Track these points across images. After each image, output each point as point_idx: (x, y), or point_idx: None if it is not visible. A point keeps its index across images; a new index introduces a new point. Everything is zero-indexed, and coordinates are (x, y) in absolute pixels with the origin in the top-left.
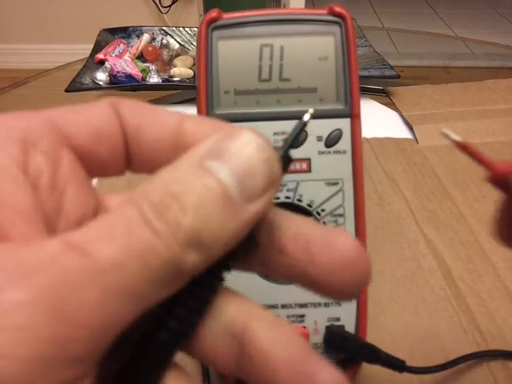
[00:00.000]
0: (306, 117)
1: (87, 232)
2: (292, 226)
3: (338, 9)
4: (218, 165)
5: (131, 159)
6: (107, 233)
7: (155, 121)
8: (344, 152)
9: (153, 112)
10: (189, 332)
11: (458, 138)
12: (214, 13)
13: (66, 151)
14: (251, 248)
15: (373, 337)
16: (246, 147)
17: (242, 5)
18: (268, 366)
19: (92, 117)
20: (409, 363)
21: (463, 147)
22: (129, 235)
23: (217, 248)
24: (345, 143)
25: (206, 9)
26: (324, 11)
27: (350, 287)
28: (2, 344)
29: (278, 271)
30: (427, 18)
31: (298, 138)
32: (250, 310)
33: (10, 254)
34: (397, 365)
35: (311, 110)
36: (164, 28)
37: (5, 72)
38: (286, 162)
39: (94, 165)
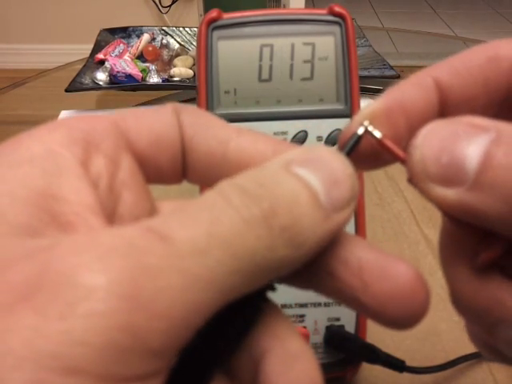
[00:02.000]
0: (360, 130)
1: (168, 218)
2: (344, 247)
3: (337, 9)
4: (306, 171)
5: (187, 168)
6: (189, 219)
7: (209, 133)
8: None
9: (209, 123)
10: (232, 350)
11: (378, 135)
12: (213, 13)
13: (127, 155)
14: (296, 270)
15: (373, 337)
16: (334, 160)
17: (242, 5)
18: None
19: (155, 123)
20: (409, 363)
21: (381, 145)
22: (214, 221)
23: (304, 249)
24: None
25: (206, 9)
26: (324, 11)
27: (406, 319)
28: (77, 330)
29: (327, 293)
30: (427, 18)
31: (351, 152)
32: (277, 335)
33: (86, 236)
34: (397, 365)
35: (366, 123)
36: (164, 28)
37: (5, 72)
38: None
39: (152, 171)
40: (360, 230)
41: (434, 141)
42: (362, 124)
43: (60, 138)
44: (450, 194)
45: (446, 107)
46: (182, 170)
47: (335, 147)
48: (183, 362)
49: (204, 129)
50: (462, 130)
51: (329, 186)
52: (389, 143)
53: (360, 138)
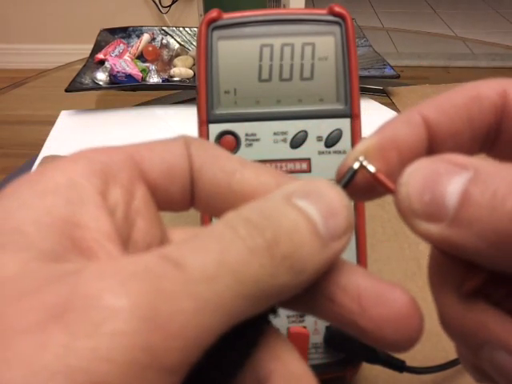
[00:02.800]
0: (356, 165)
1: (181, 246)
2: (342, 274)
3: (337, 9)
4: (306, 203)
5: (194, 196)
6: (200, 247)
7: (216, 164)
8: (344, 152)
9: (216, 154)
10: (236, 372)
11: (372, 169)
12: (213, 13)
13: (141, 185)
14: (297, 295)
15: None
16: (331, 193)
17: (242, 5)
18: None
19: (166, 154)
20: (409, 363)
21: (377, 180)
22: (222, 250)
23: (304, 276)
24: (345, 143)
25: (206, 9)
26: (324, 11)
27: (402, 342)
28: (103, 348)
29: (326, 317)
30: (427, 18)
31: (347, 185)
32: (280, 358)
33: (108, 263)
34: (397, 365)
35: (361, 158)
36: (164, 28)
37: (5, 72)
38: None
39: (164, 199)
40: (360, 230)
41: (418, 179)
42: (357, 159)
43: (81, 170)
44: (432, 229)
45: (434, 142)
46: (190, 198)
47: (333, 181)
48: (191, 381)
49: (211, 160)
50: (444, 168)
51: (326, 217)
52: (382, 177)
53: (355, 171)
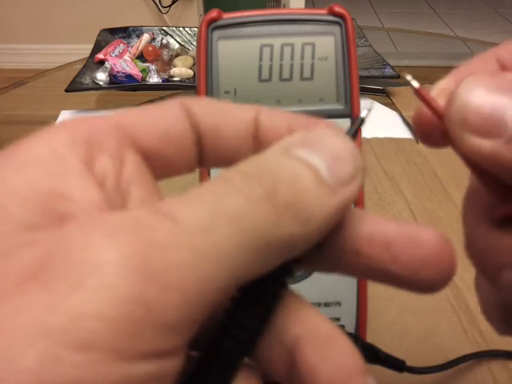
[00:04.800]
0: (364, 113)
1: (172, 200)
2: (365, 224)
3: (337, 9)
4: (306, 152)
5: (205, 156)
6: (192, 199)
7: (232, 118)
8: None
9: (227, 109)
10: (254, 340)
11: (416, 84)
12: (213, 13)
13: (132, 153)
14: (316, 249)
15: (373, 337)
16: (331, 137)
17: (242, 5)
18: None
19: (160, 118)
20: (409, 363)
21: (419, 95)
22: (217, 201)
23: (313, 225)
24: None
25: (206, 9)
26: (324, 11)
27: (437, 281)
28: (88, 304)
29: (353, 272)
30: (427, 18)
31: (356, 134)
32: (305, 321)
33: (91, 219)
34: (397, 365)
35: (369, 106)
36: (164, 28)
37: (5, 72)
38: None
39: (162, 166)
40: None
41: (478, 90)
42: (368, 108)
43: (63, 140)
44: (485, 144)
45: None
46: (196, 159)
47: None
48: (207, 354)
49: (225, 115)
50: (507, 85)
51: (330, 163)
52: (425, 94)
53: (363, 120)
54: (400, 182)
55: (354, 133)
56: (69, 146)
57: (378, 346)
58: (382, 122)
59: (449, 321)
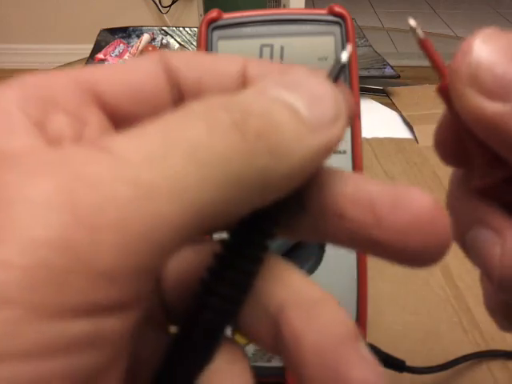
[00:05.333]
0: (344, 57)
1: (116, 135)
2: (349, 185)
3: (337, 9)
4: (283, 92)
5: None
6: (141, 131)
7: (217, 70)
8: (344, 152)
9: (211, 62)
10: (235, 310)
11: (421, 34)
12: (214, 13)
13: (95, 111)
14: (297, 211)
15: (373, 337)
16: (310, 79)
17: (242, 5)
18: (298, 354)
19: (130, 74)
20: (409, 363)
21: (423, 45)
22: (170, 129)
23: (291, 162)
24: (345, 143)
25: (206, 9)
26: (324, 11)
27: (428, 250)
28: (4, 250)
29: (335, 238)
30: (427, 18)
31: (337, 79)
32: (289, 286)
33: (22, 157)
34: (397, 365)
35: (349, 48)
36: (164, 28)
37: (5, 72)
38: None
39: (132, 125)
40: None
41: (494, 49)
42: (348, 51)
43: (13, 96)
44: (492, 107)
45: None
46: None
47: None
48: (185, 328)
49: (210, 67)
50: None
51: (309, 102)
52: (430, 45)
53: (344, 66)
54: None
55: (335, 77)
56: (20, 102)
57: (378, 346)
58: (382, 121)
59: (449, 321)
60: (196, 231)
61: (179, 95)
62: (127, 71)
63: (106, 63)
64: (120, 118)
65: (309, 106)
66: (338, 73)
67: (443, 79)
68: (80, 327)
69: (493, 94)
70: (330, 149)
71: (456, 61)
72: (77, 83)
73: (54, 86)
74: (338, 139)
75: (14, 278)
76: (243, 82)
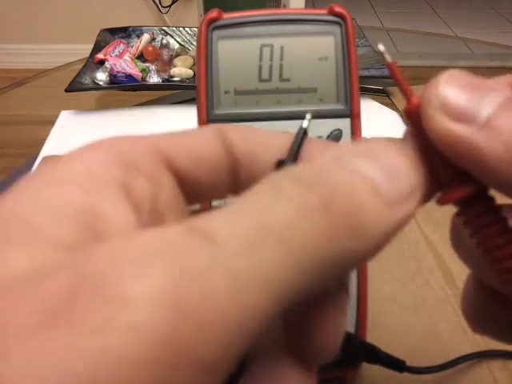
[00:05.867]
0: (305, 123)
1: (211, 215)
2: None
3: (337, 9)
4: (362, 163)
5: (240, 183)
6: (234, 213)
7: (267, 144)
8: None
9: (262, 136)
10: None
11: (388, 58)
12: (213, 13)
13: (168, 175)
14: None
15: (373, 337)
16: (388, 150)
17: (241, 5)
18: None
19: (196, 142)
20: (409, 363)
21: (390, 69)
22: (261, 212)
23: (370, 240)
24: (345, 143)
25: (206, 9)
26: (324, 11)
27: None
28: (114, 346)
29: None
30: (427, 18)
31: (301, 145)
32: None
33: (121, 241)
34: (397, 365)
35: (308, 116)
36: (164, 28)
37: (5, 72)
38: None
39: (195, 190)
40: None
41: (458, 80)
42: (309, 118)
43: (100, 159)
44: (458, 129)
45: None
46: (229, 186)
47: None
48: None
49: (260, 141)
50: (483, 84)
51: (387, 177)
52: (397, 70)
53: (305, 131)
54: None
55: (298, 147)
56: (106, 165)
57: (378, 345)
58: (382, 121)
59: (449, 321)
60: (278, 311)
61: (234, 164)
62: (193, 139)
63: (106, 63)
64: (185, 181)
65: (388, 181)
66: (302, 138)
67: (409, 101)
68: None
69: (462, 116)
70: (404, 225)
71: (426, 92)
72: (153, 149)
73: (135, 151)
74: (413, 215)
75: (130, 372)
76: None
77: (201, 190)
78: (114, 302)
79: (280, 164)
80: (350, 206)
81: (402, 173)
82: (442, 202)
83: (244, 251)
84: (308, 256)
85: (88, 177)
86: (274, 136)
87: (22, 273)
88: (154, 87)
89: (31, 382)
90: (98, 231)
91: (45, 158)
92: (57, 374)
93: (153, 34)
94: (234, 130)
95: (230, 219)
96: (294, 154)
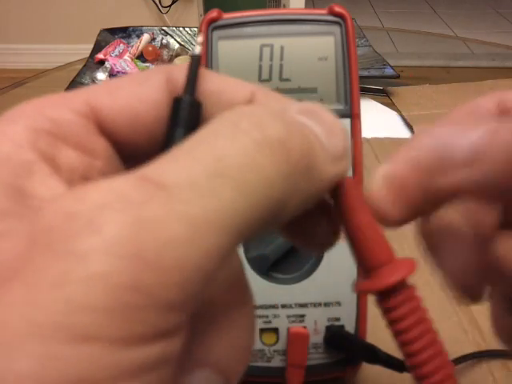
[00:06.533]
0: (197, 49)
1: (161, 161)
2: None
3: (337, 9)
4: (307, 119)
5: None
6: (187, 156)
7: (225, 96)
8: None
9: (225, 77)
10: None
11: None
12: (214, 13)
13: (102, 141)
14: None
15: (373, 337)
16: (327, 113)
17: (241, 5)
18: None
19: (134, 103)
20: None
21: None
22: (216, 152)
23: (321, 185)
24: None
25: (206, 9)
26: (324, 11)
27: None
28: (76, 296)
29: None
30: (427, 18)
31: (196, 75)
32: None
33: (71, 196)
34: (397, 365)
35: (200, 39)
36: (164, 28)
37: (5, 72)
38: (196, 108)
39: (133, 152)
40: None
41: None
42: (200, 42)
43: (23, 133)
44: (449, 178)
45: None
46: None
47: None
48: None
49: (226, 83)
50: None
51: (329, 135)
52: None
53: (199, 58)
54: None
55: (194, 70)
56: (30, 139)
57: (377, 346)
58: (382, 121)
59: (449, 321)
60: (235, 249)
61: None
62: (130, 97)
63: (106, 63)
64: (120, 143)
65: (328, 136)
66: (197, 65)
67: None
68: (153, 351)
69: (443, 170)
70: (335, 183)
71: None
72: (85, 111)
73: (64, 117)
74: (343, 174)
75: (98, 318)
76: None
77: (140, 151)
78: (70, 256)
79: (177, 101)
80: (304, 145)
81: (338, 133)
82: (360, 291)
83: (198, 196)
84: (263, 195)
85: (13, 154)
86: (235, 88)
87: None
88: None
89: (4, 337)
90: (28, 206)
91: None
92: (23, 326)
93: (153, 34)
94: (183, 74)
95: (183, 164)
96: (191, 87)
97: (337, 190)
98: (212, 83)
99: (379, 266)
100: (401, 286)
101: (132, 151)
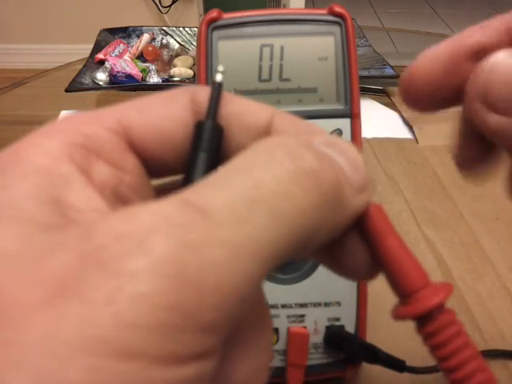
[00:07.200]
0: (219, 77)
1: (202, 187)
2: None
3: (337, 9)
4: (332, 151)
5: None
6: (225, 183)
7: (245, 121)
8: None
9: (246, 101)
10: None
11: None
12: (213, 13)
13: (132, 157)
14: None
15: (373, 337)
16: (349, 146)
17: (241, 5)
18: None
19: (160, 119)
20: (409, 363)
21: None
22: (254, 181)
23: (346, 214)
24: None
25: (206, 9)
26: (324, 11)
27: None
28: (124, 313)
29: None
30: (427, 18)
31: (218, 101)
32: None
33: (121, 218)
34: (397, 365)
35: (221, 69)
36: (164, 28)
37: (5, 72)
38: (218, 132)
39: (160, 168)
40: None
41: (502, 71)
42: (221, 70)
43: (59, 147)
44: (495, 120)
45: None
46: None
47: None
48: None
49: (246, 105)
50: None
51: (352, 168)
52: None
53: (220, 85)
54: (400, 182)
55: (215, 105)
56: (66, 154)
57: (378, 345)
58: (382, 121)
59: None
60: (267, 274)
61: None
62: (159, 116)
63: (106, 63)
64: (148, 159)
65: (352, 170)
66: (218, 92)
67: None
68: (188, 371)
69: (502, 109)
70: (360, 212)
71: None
72: (116, 129)
73: (97, 133)
74: (367, 205)
75: (141, 336)
76: (266, 133)
77: (167, 167)
78: (121, 275)
79: (200, 126)
80: (333, 177)
81: (360, 167)
82: (399, 317)
83: (237, 223)
84: (296, 223)
85: (51, 170)
86: (254, 110)
87: (15, 251)
88: (154, 87)
89: (57, 348)
90: (71, 217)
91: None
92: (73, 340)
93: (153, 34)
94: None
95: (222, 190)
96: (213, 112)
97: (362, 218)
98: (233, 106)
99: (416, 291)
100: (441, 310)
101: (158, 167)
